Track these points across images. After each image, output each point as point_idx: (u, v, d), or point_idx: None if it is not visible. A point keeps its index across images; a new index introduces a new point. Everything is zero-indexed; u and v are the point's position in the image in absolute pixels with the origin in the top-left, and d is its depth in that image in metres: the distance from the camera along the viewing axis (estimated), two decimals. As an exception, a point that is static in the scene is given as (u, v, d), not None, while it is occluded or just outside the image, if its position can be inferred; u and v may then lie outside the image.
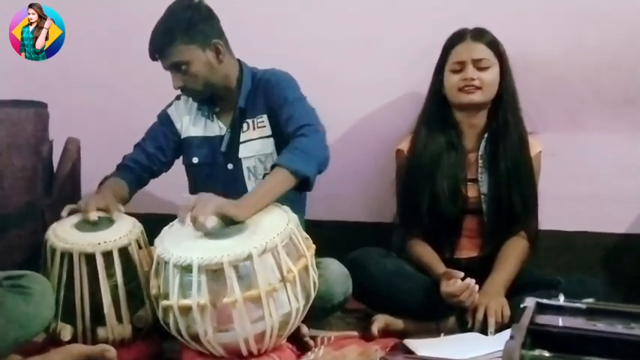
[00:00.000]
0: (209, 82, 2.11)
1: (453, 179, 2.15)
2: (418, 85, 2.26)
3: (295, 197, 2.00)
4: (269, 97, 2.13)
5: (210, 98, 2.18)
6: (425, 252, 2.15)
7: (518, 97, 2.17)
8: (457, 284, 1.94)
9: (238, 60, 2.21)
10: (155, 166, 2.22)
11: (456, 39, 2.16)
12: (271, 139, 2.14)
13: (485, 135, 2.18)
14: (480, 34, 2.14)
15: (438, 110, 2.20)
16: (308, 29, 2.48)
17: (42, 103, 2.39)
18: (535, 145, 2.19)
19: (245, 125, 2.17)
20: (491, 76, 2.12)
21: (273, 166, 1.92)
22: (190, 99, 2.22)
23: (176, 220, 1.86)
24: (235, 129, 2.17)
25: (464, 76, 2.11)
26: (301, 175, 1.89)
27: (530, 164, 2.16)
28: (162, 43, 2.05)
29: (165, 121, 2.25)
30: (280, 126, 2.08)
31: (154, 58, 2.09)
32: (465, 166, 2.19)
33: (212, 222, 1.72)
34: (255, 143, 2.15)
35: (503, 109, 2.15)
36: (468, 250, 2.20)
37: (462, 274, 1.96)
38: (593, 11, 2.29)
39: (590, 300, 1.83)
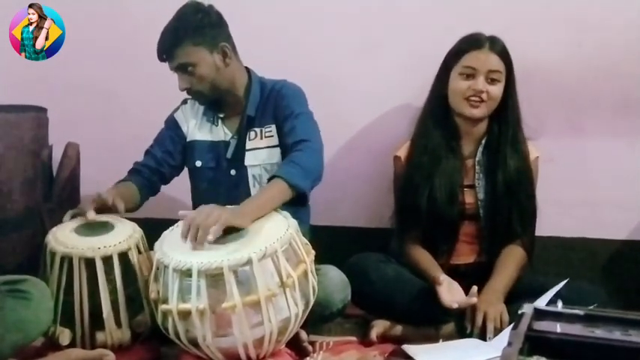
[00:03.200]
0: (215, 84, 2.12)
1: (450, 183, 2.15)
2: (417, 92, 2.27)
3: (298, 205, 2.02)
4: (278, 108, 2.15)
5: (215, 102, 2.19)
6: (422, 257, 2.15)
7: (520, 109, 2.17)
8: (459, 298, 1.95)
9: (247, 68, 2.22)
10: (164, 169, 2.22)
11: (473, 44, 2.11)
12: (278, 149, 2.15)
13: (483, 141, 2.19)
14: (497, 45, 2.10)
15: (440, 111, 2.18)
16: (308, 36, 2.49)
17: (42, 108, 2.40)
18: (532, 151, 2.19)
19: (252, 133, 2.18)
20: (498, 90, 2.11)
21: (271, 177, 1.94)
22: (197, 103, 2.24)
23: (176, 225, 1.87)
24: (241, 136, 2.18)
25: (474, 86, 2.08)
26: (298, 189, 1.92)
27: (530, 177, 2.17)
28: (170, 43, 2.07)
29: (172, 125, 2.26)
30: (282, 137, 2.11)
31: (161, 59, 2.11)
32: (462, 172, 2.19)
33: (214, 235, 1.70)
34: (262, 152, 2.17)
35: (506, 121, 2.15)
36: (465, 255, 2.20)
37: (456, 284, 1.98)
38: (592, 17, 2.30)
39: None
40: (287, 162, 1.99)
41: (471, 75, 2.10)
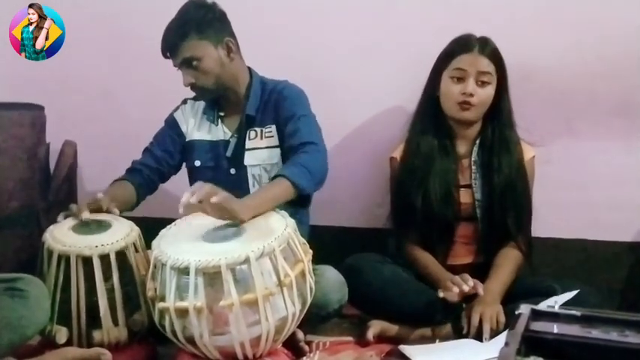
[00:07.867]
0: (219, 79, 2.12)
1: (445, 183, 2.16)
2: (414, 93, 2.26)
3: (300, 207, 2.02)
4: (279, 108, 2.15)
5: (217, 100, 2.19)
6: (426, 259, 2.15)
7: (512, 111, 2.17)
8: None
9: (249, 67, 2.23)
10: (164, 168, 2.22)
11: (463, 47, 2.12)
12: (278, 150, 2.16)
13: (477, 141, 2.19)
14: (487, 47, 2.11)
15: (432, 112, 2.19)
16: (305, 37, 2.49)
17: (39, 106, 2.40)
18: (528, 151, 2.19)
19: (252, 133, 2.18)
20: (488, 93, 2.11)
21: (275, 176, 1.94)
22: (197, 103, 2.24)
23: (173, 223, 1.87)
24: (241, 135, 2.19)
25: (464, 89, 2.09)
26: (301, 189, 1.92)
27: (524, 177, 2.17)
28: (175, 38, 2.07)
29: (171, 124, 2.26)
30: (284, 138, 2.11)
31: (165, 55, 2.11)
32: (457, 172, 2.19)
33: (219, 199, 1.72)
34: (262, 152, 2.17)
35: (499, 123, 2.16)
36: (462, 256, 2.20)
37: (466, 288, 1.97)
38: (590, 20, 2.30)
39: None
40: (292, 162, 1.98)
41: (461, 78, 2.10)
